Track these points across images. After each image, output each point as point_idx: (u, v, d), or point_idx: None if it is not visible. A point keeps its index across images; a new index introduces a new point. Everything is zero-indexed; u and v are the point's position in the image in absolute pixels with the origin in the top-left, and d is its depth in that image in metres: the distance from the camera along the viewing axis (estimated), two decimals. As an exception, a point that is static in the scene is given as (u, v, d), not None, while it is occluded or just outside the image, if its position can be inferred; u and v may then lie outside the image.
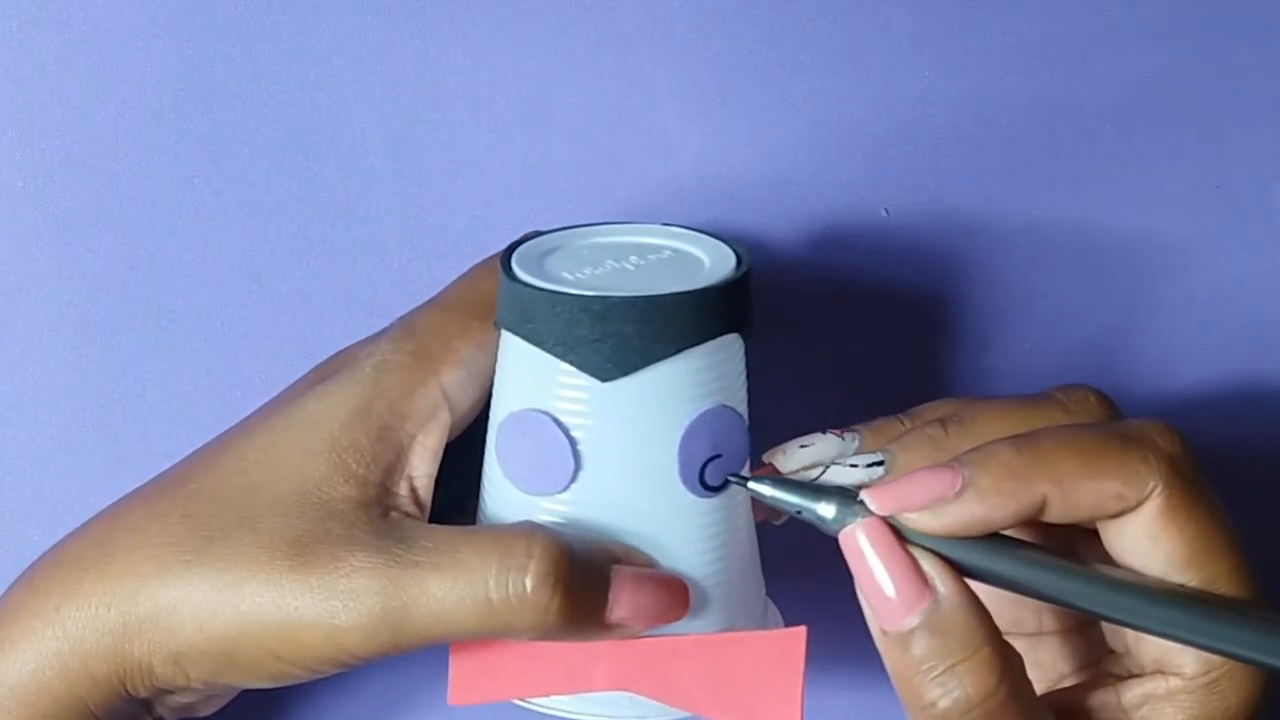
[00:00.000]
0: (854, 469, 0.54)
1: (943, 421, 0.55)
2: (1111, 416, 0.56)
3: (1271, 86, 0.67)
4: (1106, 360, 0.67)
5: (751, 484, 0.53)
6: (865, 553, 0.51)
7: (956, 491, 0.51)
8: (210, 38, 0.61)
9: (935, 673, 0.51)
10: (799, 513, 0.53)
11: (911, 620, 0.51)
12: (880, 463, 0.54)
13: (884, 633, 0.51)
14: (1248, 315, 0.68)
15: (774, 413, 0.57)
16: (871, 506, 0.51)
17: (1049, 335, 0.67)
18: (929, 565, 0.51)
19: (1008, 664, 0.51)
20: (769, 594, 0.59)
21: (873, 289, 0.65)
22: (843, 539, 0.52)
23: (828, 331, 0.66)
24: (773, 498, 0.53)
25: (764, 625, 0.58)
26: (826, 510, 0.52)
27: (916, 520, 0.51)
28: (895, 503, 0.51)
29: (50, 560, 0.55)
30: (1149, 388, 0.67)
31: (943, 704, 0.51)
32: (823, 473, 0.54)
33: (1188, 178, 0.67)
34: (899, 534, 0.51)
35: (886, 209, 0.65)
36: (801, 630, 0.53)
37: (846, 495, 0.52)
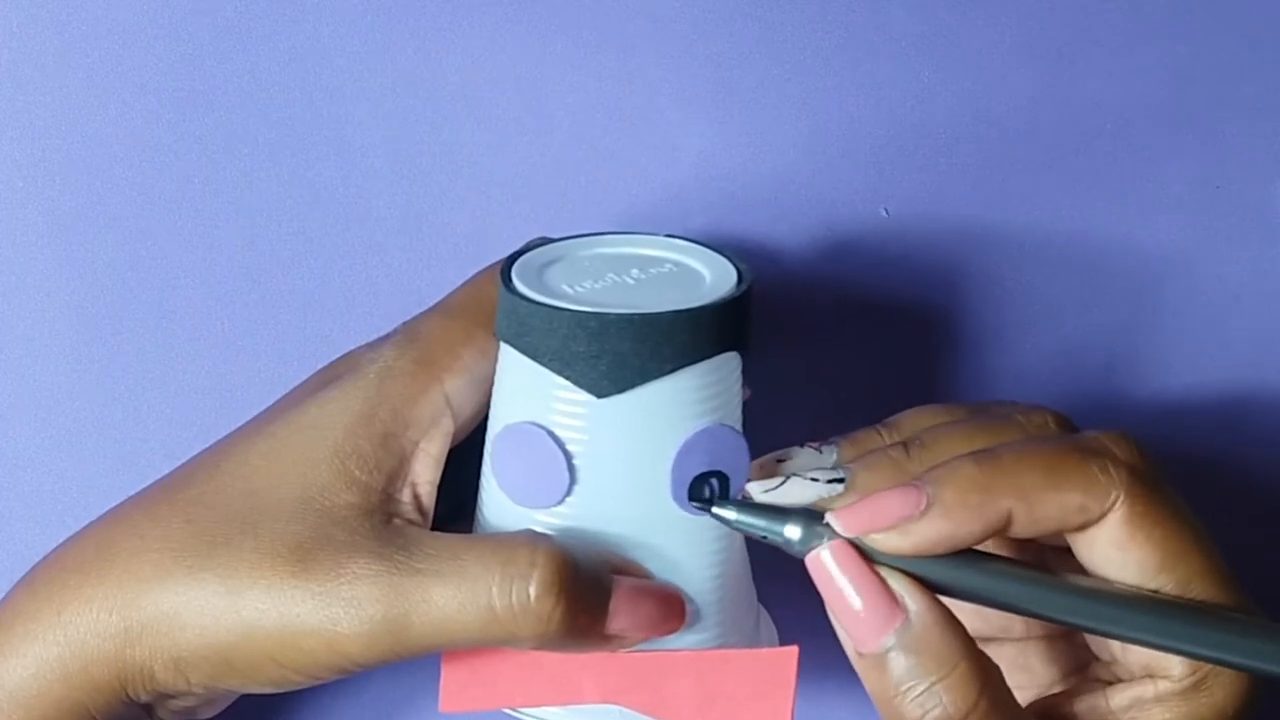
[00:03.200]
0: (814, 483, 0.53)
1: (905, 444, 0.54)
2: None
3: (1271, 86, 0.67)
4: (1107, 362, 0.67)
5: (715, 509, 0.53)
6: (833, 575, 0.51)
7: (922, 510, 0.51)
8: (210, 38, 0.61)
9: (915, 692, 0.51)
10: (764, 537, 0.52)
11: (886, 641, 0.51)
12: (840, 480, 0.53)
13: (859, 654, 0.51)
14: (1248, 316, 0.68)
15: (772, 416, 0.57)
16: (838, 529, 0.51)
17: (1049, 336, 0.67)
18: (898, 584, 0.51)
19: (987, 676, 0.51)
20: (765, 602, 0.59)
21: (873, 290, 0.65)
22: (809, 562, 0.52)
23: (827, 332, 0.66)
24: (737, 522, 0.53)
25: (756, 637, 0.58)
26: (792, 533, 0.52)
27: (884, 541, 0.51)
28: (862, 524, 0.51)
29: (51, 564, 0.55)
30: (1149, 389, 0.67)
31: None
32: (783, 483, 0.54)
33: (1188, 179, 0.67)
34: (865, 554, 0.51)
35: (886, 210, 0.65)
36: (793, 650, 0.53)
37: (812, 517, 0.52)
